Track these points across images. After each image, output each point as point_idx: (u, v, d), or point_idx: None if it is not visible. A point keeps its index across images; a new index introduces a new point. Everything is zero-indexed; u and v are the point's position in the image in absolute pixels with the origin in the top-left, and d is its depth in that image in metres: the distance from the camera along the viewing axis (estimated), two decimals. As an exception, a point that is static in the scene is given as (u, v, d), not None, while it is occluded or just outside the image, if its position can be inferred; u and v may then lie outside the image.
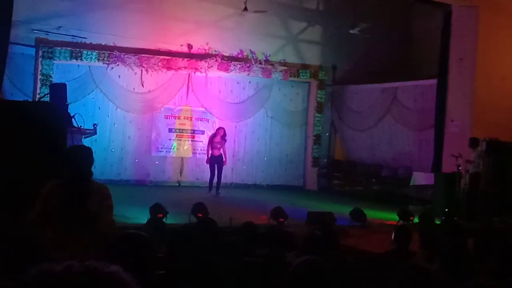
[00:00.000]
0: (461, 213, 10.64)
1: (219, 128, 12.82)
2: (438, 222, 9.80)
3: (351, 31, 14.72)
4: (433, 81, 12.19)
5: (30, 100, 11.43)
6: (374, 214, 10.79)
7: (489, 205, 10.51)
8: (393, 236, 5.41)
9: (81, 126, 9.28)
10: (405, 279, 2.84)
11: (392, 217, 10.35)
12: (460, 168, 11.11)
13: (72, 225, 3.82)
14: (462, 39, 11.61)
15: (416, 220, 9.83)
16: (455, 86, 11.60)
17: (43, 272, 1.15)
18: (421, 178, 12.48)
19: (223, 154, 12.54)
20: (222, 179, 12.68)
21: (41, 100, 10.16)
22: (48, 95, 8.54)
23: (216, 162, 12.48)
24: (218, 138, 12.49)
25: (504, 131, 11.23)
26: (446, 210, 10.63)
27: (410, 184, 12.66)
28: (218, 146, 12.49)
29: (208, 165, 12.69)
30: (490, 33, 11.68)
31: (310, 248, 4.04)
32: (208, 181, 12.67)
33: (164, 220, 8.00)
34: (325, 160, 15.60)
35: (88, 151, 4.08)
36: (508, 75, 12.05)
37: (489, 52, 11.68)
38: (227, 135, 12.77)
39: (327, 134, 15.65)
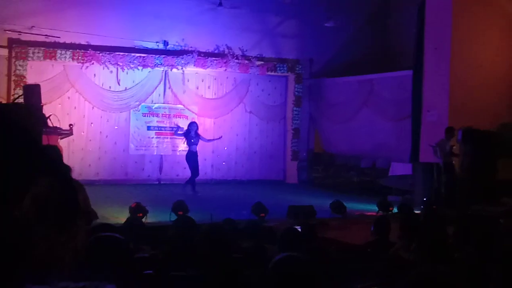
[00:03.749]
0: (440, 202, 10.76)
1: (191, 123, 12.51)
2: (417, 212, 9.91)
3: (326, 24, 14.75)
4: (409, 72, 12.26)
5: (5, 101, 11.27)
6: (354, 206, 10.88)
7: (466, 193, 10.64)
8: (372, 227, 5.47)
9: (56, 127, 9.19)
10: (384, 269, 2.87)
11: (372, 208, 10.45)
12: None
13: (67, 221, 3.83)
14: (436, 29, 11.70)
15: (395, 210, 9.93)
16: (431, 76, 11.70)
17: None
18: (399, 168, 12.60)
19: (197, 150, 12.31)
20: (202, 176, 12.57)
21: (15, 101, 10.01)
22: (22, 96, 8.42)
23: (194, 158, 12.21)
24: (193, 133, 12.21)
25: (480, 119, 11.36)
26: (425, 199, 10.74)
27: (389, 175, 12.78)
28: (193, 141, 12.17)
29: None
30: (464, 22, 11.79)
31: (288, 242, 4.05)
32: (190, 180, 12.24)
33: (144, 219, 7.95)
34: (305, 153, 15.64)
35: (58, 148, 4.23)
36: (484, 63, 12.19)
37: (464, 41, 11.79)
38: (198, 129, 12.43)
39: (306, 128, 15.69)
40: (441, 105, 11.57)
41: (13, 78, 12.28)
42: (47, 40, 12.57)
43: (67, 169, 4.07)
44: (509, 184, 11.02)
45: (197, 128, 12.35)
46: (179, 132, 12.61)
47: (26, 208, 3.99)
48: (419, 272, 1.79)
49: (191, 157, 12.24)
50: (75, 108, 13.28)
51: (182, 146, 14.07)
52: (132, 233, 4.51)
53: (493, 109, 11.89)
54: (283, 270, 2.21)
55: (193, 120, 12.99)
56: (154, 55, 13.56)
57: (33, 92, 8.12)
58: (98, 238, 2.33)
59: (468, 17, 11.84)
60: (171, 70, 13.94)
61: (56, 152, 4.13)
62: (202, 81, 14.71)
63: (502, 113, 11.94)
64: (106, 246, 2.28)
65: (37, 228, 3.76)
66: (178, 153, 14.27)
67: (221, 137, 13.09)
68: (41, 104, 8.46)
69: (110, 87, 13.68)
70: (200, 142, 12.36)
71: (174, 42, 13.77)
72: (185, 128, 12.58)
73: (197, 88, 14.65)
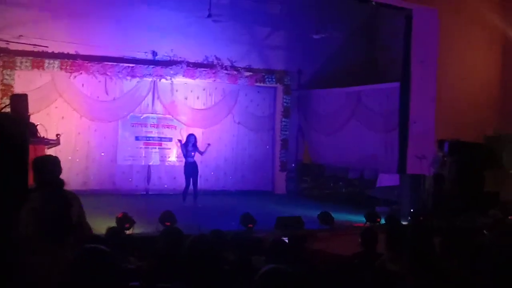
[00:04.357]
0: (427, 213, 10.82)
1: (190, 135, 12.37)
2: (404, 223, 9.96)
3: (315, 36, 14.84)
4: (397, 84, 12.38)
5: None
6: (342, 217, 10.91)
7: (453, 204, 10.71)
8: (360, 238, 5.48)
9: (43, 137, 9.15)
10: (370, 281, 2.88)
11: (360, 219, 10.47)
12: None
13: (61, 235, 3.81)
14: (423, 42, 11.83)
15: (383, 221, 9.96)
16: (418, 88, 11.81)
17: None
18: (387, 179, 12.66)
19: (195, 161, 12.21)
20: (190, 186, 12.44)
21: (2, 111, 9.94)
22: (9, 106, 8.38)
23: (191, 170, 12.09)
24: (190, 146, 12.06)
25: (466, 131, 11.49)
26: (412, 210, 10.80)
27: (377, 186, 12.83)
28: (192, 153, 12.07)
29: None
30: (449, 35, 11.95)
31: (276, 253, 4.04)
32: (183, 191, 12.14)
33: (130, 230, 7.92)
34: (293, 164, 15.67)
35: (58, 160, 4.27)
36: (468, 76, 12.35)
37: (449, 53, 11.94)
38: (197, 141, 12.38)
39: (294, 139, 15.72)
40: (427, 117, 11.68)
41: (0, 87, 12.21)
42: (35, 49, 12.52)
43: (61, 182, 4.05)
44: (495, 196, 11.13)
45: (195, 141, 12.21)
46: (177, 144, 12.49)
47: (23, 224, 3.92)
48: None
49: (186, 169, 12.11)
50: (62, 118, 13.21)
51: (172, 156, 14.09)
52: (113, 244, 4.49)
53: (478, 121, 12.04)
54: (269, 282, 2.21)
55: (191, 133, 12.66)
56: (143, 65, 13.55)
57: (20, 101, 8.09)
58: (83, 251, 2.32)
59: (453, 31, 12.01)
60: (159, 80, 13.93)
61: (54, 164, 4.13)
62: (191, 91, 14.71)
63: (486, 126, 12.09)
64: (91, 258, 2.27)
65: (30, 245, 3.72)
66: (166, 164, 14.24)
67: (209, 144, 12.87)
68: (28, 113, 8.42)
69: (98, 97, 13.63)
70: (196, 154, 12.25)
71: (163, 53, 13.77)
72: (184, 139, 12.40)
73: (186, 98, 14.64)
